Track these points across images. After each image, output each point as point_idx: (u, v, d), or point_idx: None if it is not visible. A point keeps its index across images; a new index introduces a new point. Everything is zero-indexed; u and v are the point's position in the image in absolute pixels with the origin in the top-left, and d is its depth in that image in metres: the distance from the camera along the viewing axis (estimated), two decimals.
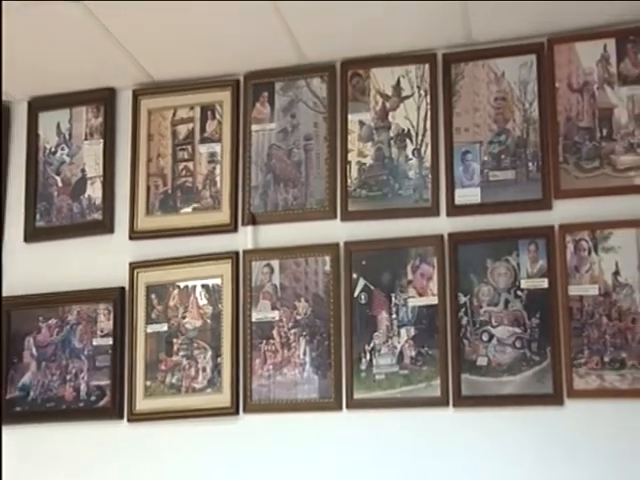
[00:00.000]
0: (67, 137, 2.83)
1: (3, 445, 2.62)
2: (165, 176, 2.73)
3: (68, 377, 2.65)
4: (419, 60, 2.59)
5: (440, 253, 2.45)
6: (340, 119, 2.62)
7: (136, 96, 2.78)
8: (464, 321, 2.40)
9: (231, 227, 2.63)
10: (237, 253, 2.60)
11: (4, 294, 2.76)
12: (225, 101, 2.71)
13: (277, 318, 2.54)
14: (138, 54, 2.60)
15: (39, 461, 2.62)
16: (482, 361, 2.37)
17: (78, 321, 2.69)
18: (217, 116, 2.72)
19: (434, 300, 2.43)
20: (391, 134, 2.58)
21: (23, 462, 2.63)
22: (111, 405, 2.60)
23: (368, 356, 2.44)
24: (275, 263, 2.57)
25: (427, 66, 2.58)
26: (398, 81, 2.60)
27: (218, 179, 2.68)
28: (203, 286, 2.62)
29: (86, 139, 2.81)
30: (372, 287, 2.48)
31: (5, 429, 2.65)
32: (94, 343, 2.66)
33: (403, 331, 2.44)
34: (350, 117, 2.61)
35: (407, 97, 2.59)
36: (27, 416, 2.66)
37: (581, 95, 2.46)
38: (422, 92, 2.58)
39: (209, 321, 2.59)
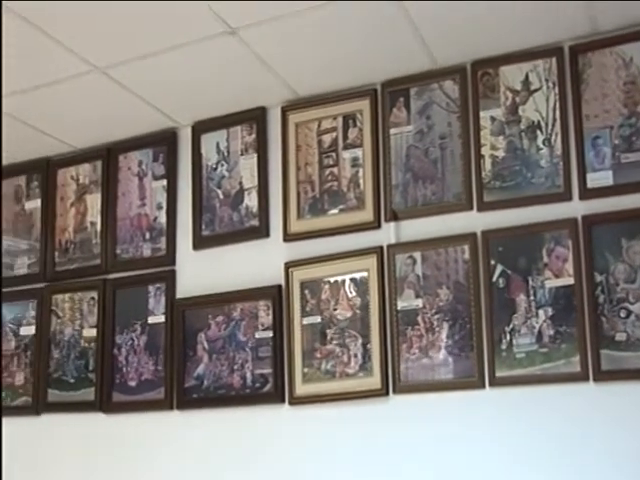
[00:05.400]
0: (225, 154, 3.06)
1: (183, 427, 2.90)
2: (313, 182, 2.90)
3: (235, 367, 2.85)
4: (546, 54, 2.65)
5: (574, 235, 2.49)
6: (472, 116, 2.71)
7: (284, 112, 2.97)
8: (601, 299, 2.42)
9: (375, 224, 2.76)
10: (381, 248, 2.73)
11: (179, 296, 3.02)
12: (365, 109, 2.86)
13: (421, 305, 2.64)
14: (285, 74, 2.80)
15: (212, 441, 2.83)
16: (621, 337, 2.38)
17: (242, 317, 2.88)
18: (358, 123, 2.87)
19: (570, 280, 2.47)
20: (522, 127, 2.65)
21: (198, 442, 2.86)
22: (274, 390, 2.77)
23: (508, 336, 2.50)
24: (417, 255, 2.68)
25: (554, 59, 2.63)
26: (526, 76, 2.66)
27: (361, 181, 2.82)
28: (351, 280, 2.76)
29: (242, 154, 3.03)
30: (509, 272, 2.55)
31: (183, 413, 2.91)
32: (256, 336, 2.84)
33: (541, 311, 2.49)
34: (482, 114, 2.70)
35: (536, 90, 2.65)
36: (202, 402, 2.88)
37: None
38: (550, 84, 2.63)
39: (358, 311, 2.72)
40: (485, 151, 2.68)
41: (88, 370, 3.10)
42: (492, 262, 2.58)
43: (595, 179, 2.53)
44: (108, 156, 3.26)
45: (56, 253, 3.29)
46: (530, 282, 2.52)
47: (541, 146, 2.62)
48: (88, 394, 3.07)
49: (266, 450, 2.76)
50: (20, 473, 3.14)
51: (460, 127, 2.73)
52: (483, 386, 2.51)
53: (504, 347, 2.51)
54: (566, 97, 2.61)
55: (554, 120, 2.62)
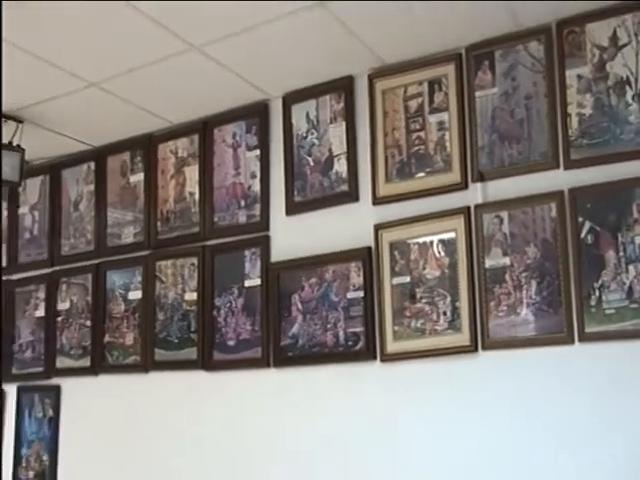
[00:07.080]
0: (315, 123, 3.15)
1: (280, 383, 3.03)
2: (400, 147, 2.95)
3: (328, 326, 2.95)
4: (635, 8, 2.59)
5: None
6: (558, 75, 2.70)
7: (371, 80, 3.03)
8: None
9: (462, 185, 2.80)
10: (469, 208, 2.77)
11: (273, 260, 3.13)
12: (450, 74, 2.89)
13: (508, 263, 2.67)
14: (371, 42, 2.85)
15: (307, 397, 2.96)
16: None
17: (334, 278, 2.98)
18: (443, 88, 2.90)
19: None
20: (609, 83, 2.62)
21: (295, 398, 2.99)
22: (365, 348, 2.86)
23: (597, 293, 2.50)
24: (504, 214, 2.71)
25: None
26: (614, 31, 2.63)
27: (447, 144, 2.86)
28: (440, 240, 2.81)
29: (331, 122, 3.11)
30: (598, 228, 2.54)
31: (280, 371, 3.04)
32: (348, 296, 2.93)
33: (631, 267, 2.47)
34: (568, 72, 2.69)
35: (624, 45, 2.62)
36: (297, 360, 3.01)
37: None
38: None
39: (447, 270, 2.77)
40: (572, 109, 2.67)
41: (190, 331, 3.28)
42: (580, 219, 2.57)
43: None
44: (204, 130, 3.41)
45: (158, 223, 3.48)
46: (620, 238, 2.51)
47: (630, 102, 2.59)
48: (191, 353, 3.25)
49: (358, 406, 2.84)
50: (131, 426, 3.38)
51: (546, 87, 2.73)
52: (572, 342, 2.52)
53: (593, 303, 2.50)
54: None
55: None
